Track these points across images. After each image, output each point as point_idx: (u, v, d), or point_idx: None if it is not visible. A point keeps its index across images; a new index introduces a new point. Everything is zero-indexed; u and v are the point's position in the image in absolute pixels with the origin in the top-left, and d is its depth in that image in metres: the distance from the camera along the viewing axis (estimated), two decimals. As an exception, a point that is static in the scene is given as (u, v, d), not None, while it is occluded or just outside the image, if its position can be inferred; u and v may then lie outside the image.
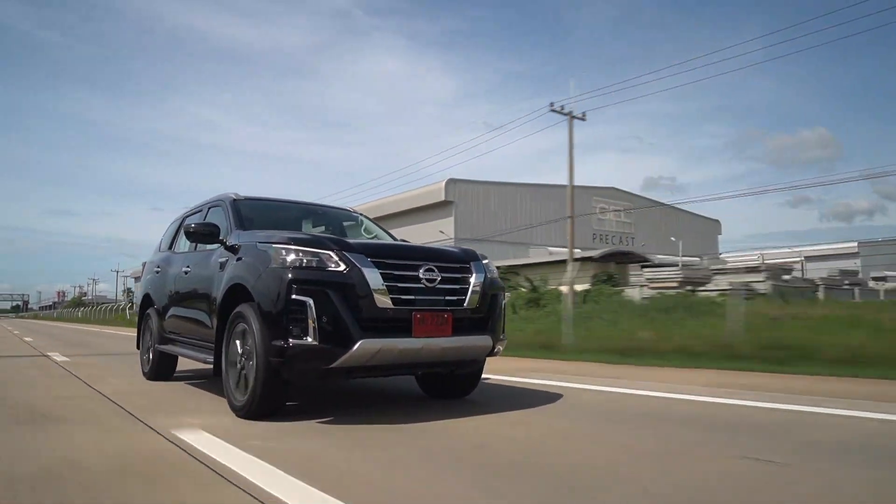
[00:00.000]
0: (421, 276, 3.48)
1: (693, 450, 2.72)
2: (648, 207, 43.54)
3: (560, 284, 13.88)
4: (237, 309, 3.60)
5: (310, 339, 3.17)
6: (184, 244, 5.26)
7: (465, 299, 3.62)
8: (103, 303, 60.02)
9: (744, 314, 7.31)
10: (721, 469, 2.39)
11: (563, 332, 8.54)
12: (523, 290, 15.72)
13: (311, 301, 3.19)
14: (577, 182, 24.04)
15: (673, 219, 46.14)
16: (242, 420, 3.39)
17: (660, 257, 32.33)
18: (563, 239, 28.33)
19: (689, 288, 14.81)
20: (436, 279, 3.53)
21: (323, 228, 5.06)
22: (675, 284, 15.41)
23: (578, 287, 13.76)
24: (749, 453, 2.58)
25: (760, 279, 15.24)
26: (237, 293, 3.67)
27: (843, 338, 6.38)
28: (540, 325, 10.24)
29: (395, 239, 4.98)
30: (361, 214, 5.48)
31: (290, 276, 3.27)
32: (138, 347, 6.00)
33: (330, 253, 3.36)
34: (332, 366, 3.22)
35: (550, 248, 34.20)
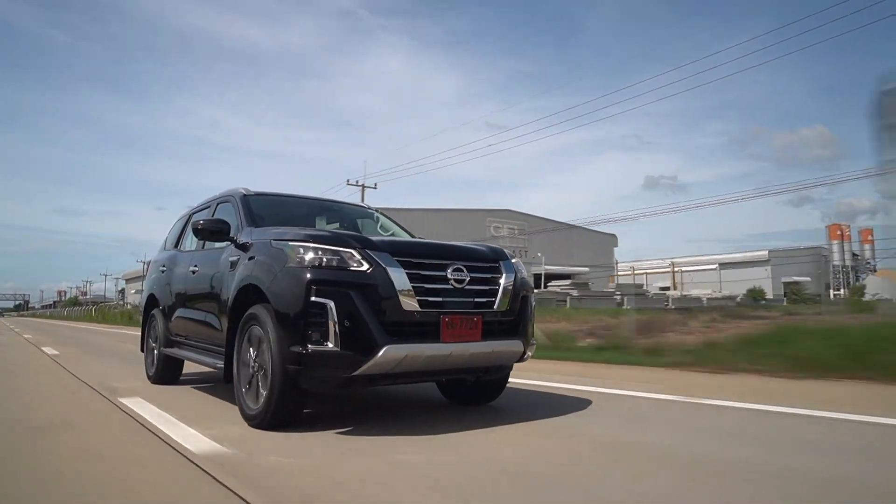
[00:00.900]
0: (449, 276, 3.23)
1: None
2: (549, 230, 47.02)
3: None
4: (250, 311, 3.36)
5: (330, 345, 2.93)
6: (191, 242, 5.01)
7: (495, 301, 3.37)
8: (101, 302, 60.26)
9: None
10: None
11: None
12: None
13: (332, 304, 2.94)
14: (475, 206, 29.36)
15: (569, 235, 49.16)
16: (255, 430, 3.14)
17: (547, 268, 40.52)
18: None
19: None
20: (465, 279, 3.28)
21: (337, 225, 4.81)
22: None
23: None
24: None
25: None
26: (249, 294, 3.43)
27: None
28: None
29: (413, 236, 4.73)
30: (378, 211, 5.22)
31: (308, 276, 3.02)
32: (142, 350, 5.73)
33: (352, 251, 3.12)
34: (354, 374, 2.97)
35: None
